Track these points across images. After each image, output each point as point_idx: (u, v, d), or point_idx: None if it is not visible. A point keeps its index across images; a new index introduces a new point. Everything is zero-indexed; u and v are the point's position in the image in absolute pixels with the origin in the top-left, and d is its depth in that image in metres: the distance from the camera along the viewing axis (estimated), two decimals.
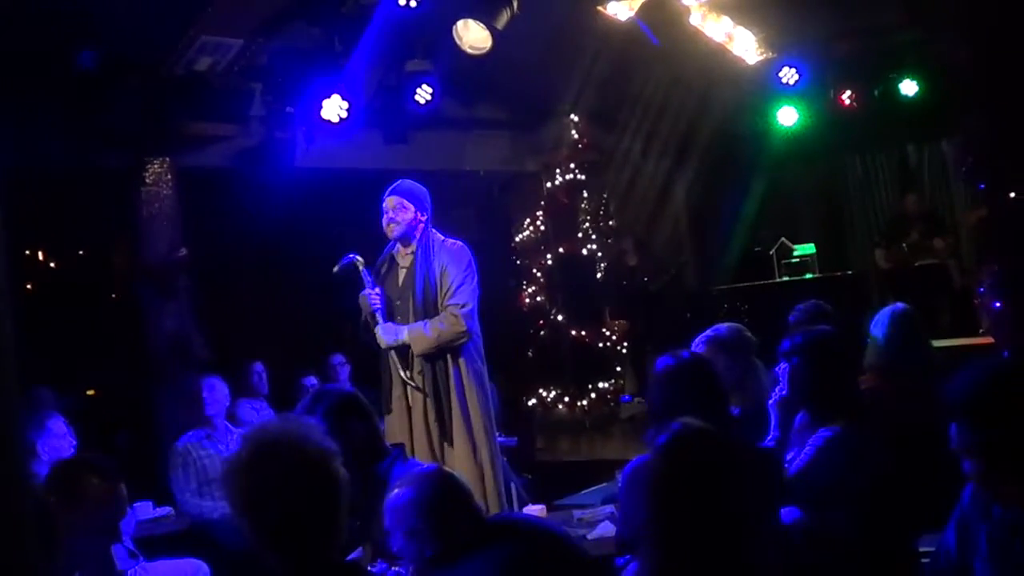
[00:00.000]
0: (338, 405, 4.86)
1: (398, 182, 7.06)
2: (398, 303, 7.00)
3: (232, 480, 2.99)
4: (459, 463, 6.64)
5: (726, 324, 6.00)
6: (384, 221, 6.94)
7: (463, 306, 6.82)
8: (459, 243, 7.09)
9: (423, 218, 6.99)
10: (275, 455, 2.95)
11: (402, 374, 6.85)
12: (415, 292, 6.90)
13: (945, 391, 3.14)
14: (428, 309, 6.86)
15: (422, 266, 6.91)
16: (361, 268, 6.96)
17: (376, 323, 6.94)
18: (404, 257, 7.04)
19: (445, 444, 6.80)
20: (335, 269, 6.99)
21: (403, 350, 6.90)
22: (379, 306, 6.92)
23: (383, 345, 6.91)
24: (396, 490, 3.96)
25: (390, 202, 6.96)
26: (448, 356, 6.88)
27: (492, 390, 7.31)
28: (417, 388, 6.85)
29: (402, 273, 7.05)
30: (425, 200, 7.05)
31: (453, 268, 6.90)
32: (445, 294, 6.85)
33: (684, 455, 3.04)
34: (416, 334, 6.80)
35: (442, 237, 7.05)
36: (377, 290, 6.94)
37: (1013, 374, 3.13)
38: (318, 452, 2.99)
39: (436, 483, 3.95)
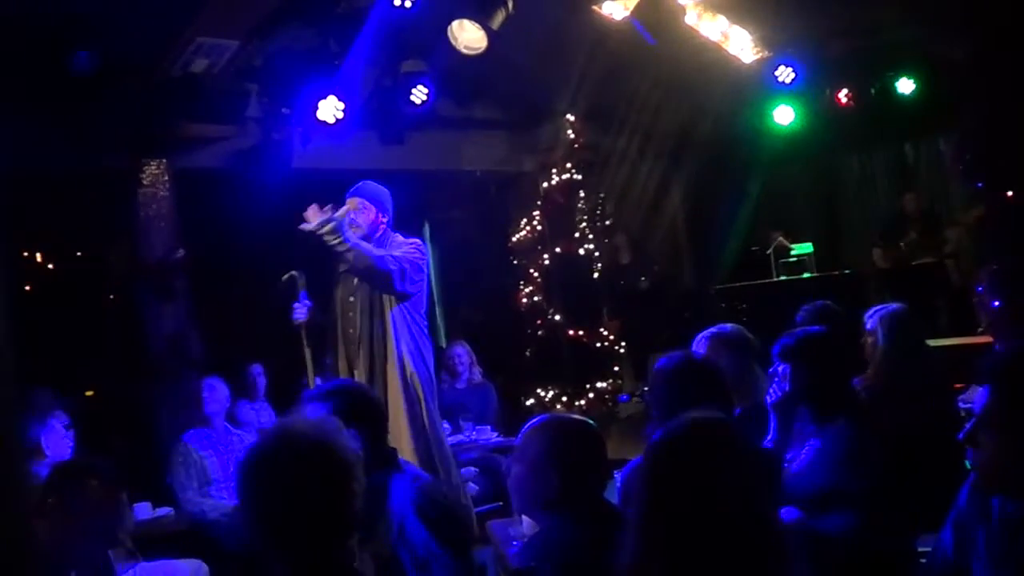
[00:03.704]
0: (349, 406, 4.45)
1: (360, 183, 7.12)
2: (351, 299, 7.00)
3: (251, 474, 2.87)
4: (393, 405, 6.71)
5: (730, 324, 5.98)
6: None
7: (402, 265, 6.76)
8: (416, 240, 7.13)
9: (384, 220, 7.06)
10: (303, 453, 2.85)
11: (309, 375, 6.90)
12: (365, 288, 6.95)
13: (988, 356, 3.08)
14: (374, 303, 6.91)
15: None
16: (301, 285, 7.04)
17: (304, 342, 6.98)
18: None
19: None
20: (283, 278, 7.11)
21: (318, 337, 7.01)
22: (302, 320, 6.97)
23: (310, 226, 6.72)
24: (529, 431, 3.87)
25: (351, 203, 6.99)
26: (385, 316, 6.90)
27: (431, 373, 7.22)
28: None
29: None
30: (387, 202, 7.11)
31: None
32: None
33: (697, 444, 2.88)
34: (359, 247, 6.73)
35: (401, 239, 7.08)
36: (307, 303, 7.02)
37: None
38: (346, 455, 2.90)
39: (576, 436, 3.85)
